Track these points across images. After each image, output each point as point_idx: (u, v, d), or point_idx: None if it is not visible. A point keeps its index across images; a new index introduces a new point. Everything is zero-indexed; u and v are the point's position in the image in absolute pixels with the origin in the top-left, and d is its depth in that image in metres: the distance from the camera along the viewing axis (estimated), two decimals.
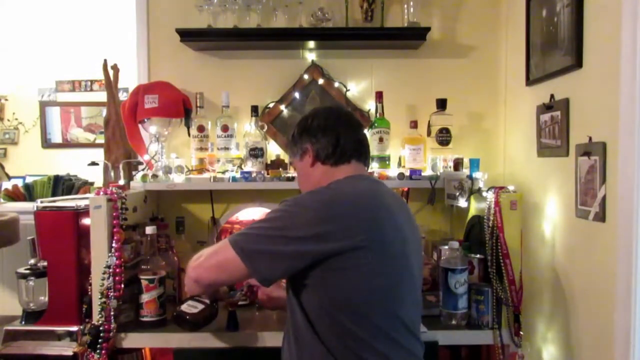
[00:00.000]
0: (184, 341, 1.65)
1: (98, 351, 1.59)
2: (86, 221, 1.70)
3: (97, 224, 1.65)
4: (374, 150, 2.00)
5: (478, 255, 1.77)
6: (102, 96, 2.74)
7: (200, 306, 1.52)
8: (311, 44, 2.16)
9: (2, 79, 4.62)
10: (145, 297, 1.68)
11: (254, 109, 2.09)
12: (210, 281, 1.30)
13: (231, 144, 2.08)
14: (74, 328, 1.73)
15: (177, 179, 1.96)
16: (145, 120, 2.02)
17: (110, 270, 1.62)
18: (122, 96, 2.46)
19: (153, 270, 1.71)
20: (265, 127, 2.12)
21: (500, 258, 1.68)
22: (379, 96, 2.10)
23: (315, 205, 1.19)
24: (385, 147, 2.07)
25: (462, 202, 1.88)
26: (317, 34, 2.11)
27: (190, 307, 1.52)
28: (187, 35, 2.12)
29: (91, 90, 4.64)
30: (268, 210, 1.81)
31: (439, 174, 1.96)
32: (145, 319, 1.69)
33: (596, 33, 1.47)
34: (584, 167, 1.50)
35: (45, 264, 1.78)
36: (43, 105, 4.67)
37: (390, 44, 2.17)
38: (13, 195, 2.87)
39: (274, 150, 2.22)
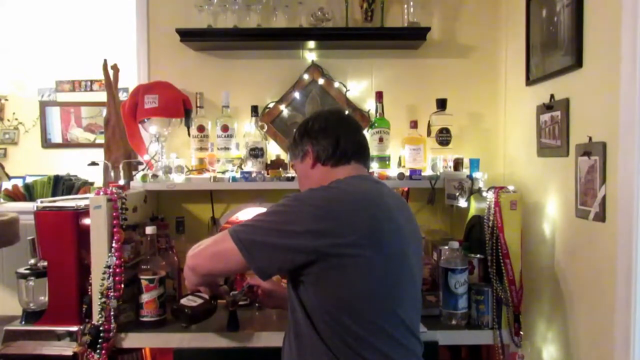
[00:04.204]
0: (184, 341, 1.65)
1: (98, 351, 1.59)
2: (86, 221, 1.70)
3: (97, 224, 1.65)
4: (374, 150, 2.00)
5: (478, 255, 1.77)
6: (102, 96, 2.74)
7: (200, 301, 1.54)
8: (311, 44, 2.16)
9: (2, 79, 4.63)
10: (145, 297, 1.68)
11: (254, 109, 2.09)
12: (207, 270, 1.31)
13: (231, 144, 2.08)
14: (74, 328, 1.73)
15: (177, 179, 1.96)
16: (145, 120, 2.02)
17: (110, 270, 1.63)
18: (122, 96, 2.46)
19: (153, 270, 1.71)
20: (265, 127, 2.12)
21: (500, 258, 1.68)
22: (379, 96, 2.10)
23: (316, 202, 1.20)
24: (385, 147, 2.07)
25: (462, 202, 1.88)
26: (317, 34, 2.11)
27: (189, 301, 1.53)
28: (187, 35, 2.12)
29: (91, 90, 4.65)
30: None
31: (439, 174, 1.95)
32: (145, 319, 1.69)
33: (596, 33, 1.47)
34: (584, 167, 1.50)
35: (45, 264, 1.78)
36: (43, 105, 4.67)
37: (390, 44, 2.17)
38: (13, 195, 2.88)
39: (274, 150, 2.22)
